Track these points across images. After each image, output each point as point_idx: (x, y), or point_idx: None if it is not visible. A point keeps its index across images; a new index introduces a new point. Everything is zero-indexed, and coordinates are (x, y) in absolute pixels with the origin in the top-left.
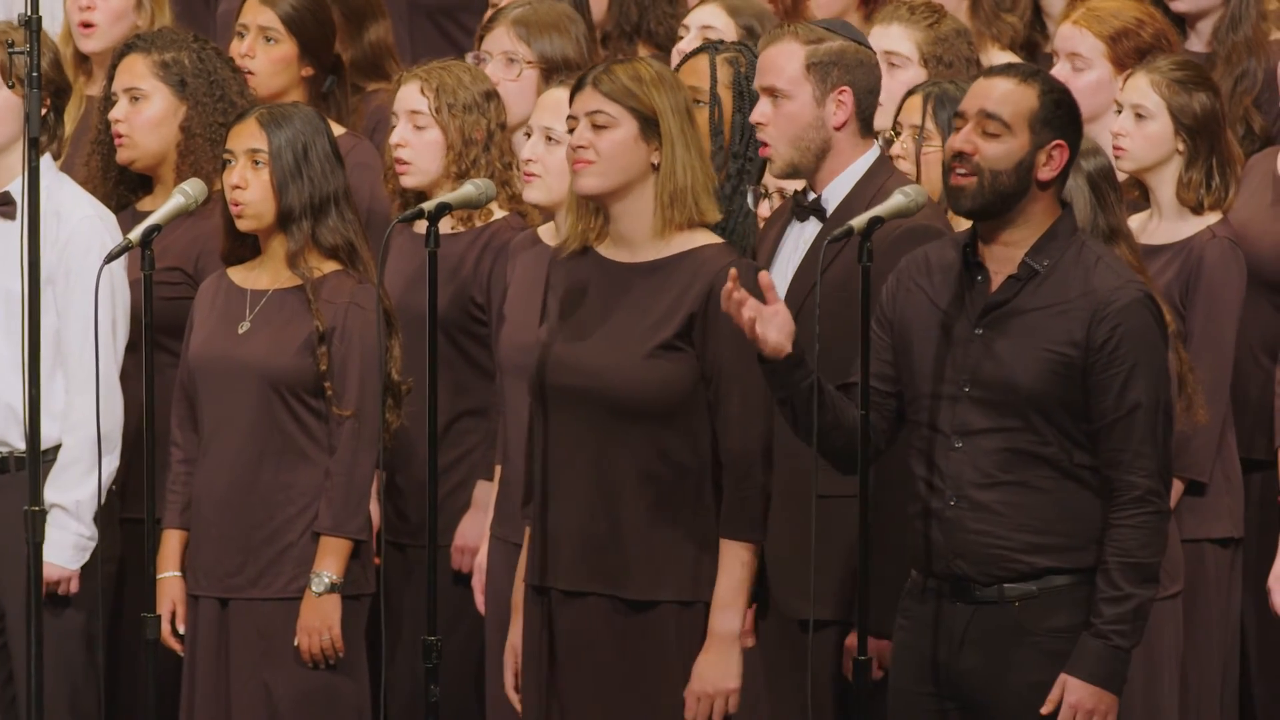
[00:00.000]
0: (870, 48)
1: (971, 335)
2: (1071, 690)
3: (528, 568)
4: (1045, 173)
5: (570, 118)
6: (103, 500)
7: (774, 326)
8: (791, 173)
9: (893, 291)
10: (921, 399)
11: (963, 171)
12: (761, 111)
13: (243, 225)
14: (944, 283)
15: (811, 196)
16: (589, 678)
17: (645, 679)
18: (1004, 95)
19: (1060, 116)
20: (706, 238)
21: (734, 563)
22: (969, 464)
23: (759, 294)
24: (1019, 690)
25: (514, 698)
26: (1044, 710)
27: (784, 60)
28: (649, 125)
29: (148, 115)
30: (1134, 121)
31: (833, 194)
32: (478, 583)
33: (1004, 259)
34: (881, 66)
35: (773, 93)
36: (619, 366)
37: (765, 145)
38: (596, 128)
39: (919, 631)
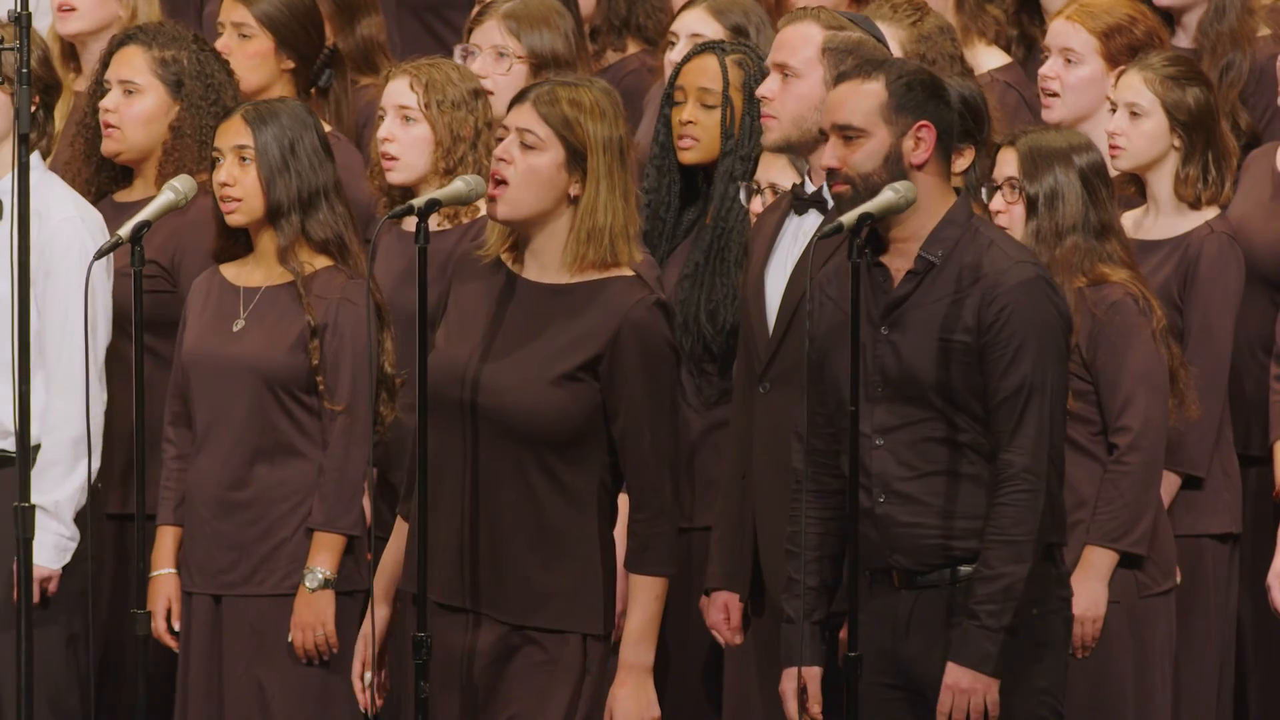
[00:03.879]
0: (888, 48)
1: (879, 335)
2: (949, 674)
3: (404, 574)
4: (917, 156)
5: (503, 126)
6: (83, 500)
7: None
8: (784, 147)
9: (810, 309)
10: (841, 404)
11: (837, 184)
12: (769, 87)
13: (233, 221)
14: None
15: (811, 189)
16: (460, 695)
17: (516, 704)
18: (847, 101)
19: (915, 98)
20: (619, 270)
21: (647, 596)
22: (891, 460)
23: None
24: None
25: (356, 686)
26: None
27: (800, 41)
28: (576, 156)
29: (139, 110)
30: (1129, 119)
31: None
32: None
33: (902, 254)
34: None
35: (784, 70)
36: (519, 389)
37: (768, 117)
38: (523, 146)
39: (870, 622)
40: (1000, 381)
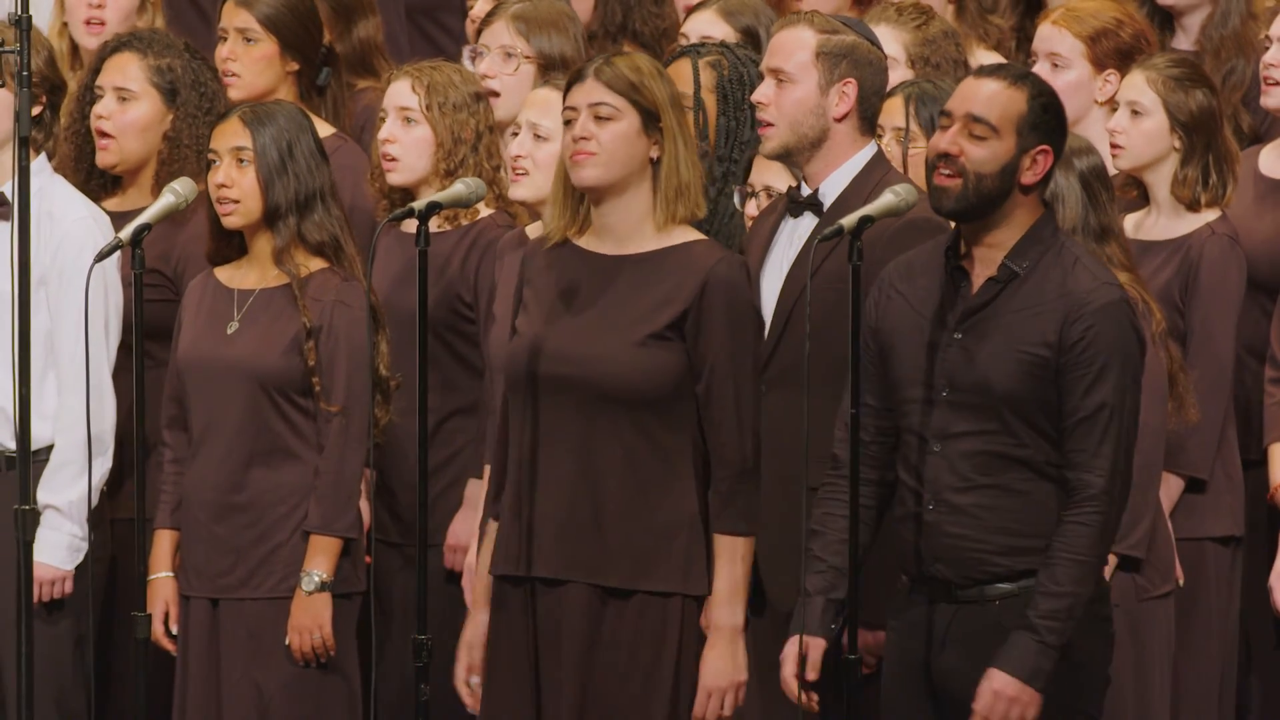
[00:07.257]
0: (882, 50)
1: (951, 339)
2: (995, 679)
3: (503, 559)
4: (1029, 177)
5: (569, 109)
6: (94, 501)
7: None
8: (783, 155)
9: (876, 300)
10: (903, 404)
11: (947, 172)
12: (764, 92)
13: (230, 223)
14: (925, 286)
15: (807, 191)
16: (570, 666)
17: (624, 668)
18: (992, 98)
19: (1047, 121)
20: (694, 234)
21: (732, 557)
22: (946, 468)
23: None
24: None
25: (463, 691)
26: (974, 705)
27: (794, 45)
28: (650, 119)
29: (134, 118)
30: (1130, 118)
31: (830, 189)
32: (467, 582)
33: (985, 261)
34: None
35: (778, 75)
36: (608, 354)
37: (764, 125)
38: (599, 119)
39: (907, 632)
40: (1081, 401)
